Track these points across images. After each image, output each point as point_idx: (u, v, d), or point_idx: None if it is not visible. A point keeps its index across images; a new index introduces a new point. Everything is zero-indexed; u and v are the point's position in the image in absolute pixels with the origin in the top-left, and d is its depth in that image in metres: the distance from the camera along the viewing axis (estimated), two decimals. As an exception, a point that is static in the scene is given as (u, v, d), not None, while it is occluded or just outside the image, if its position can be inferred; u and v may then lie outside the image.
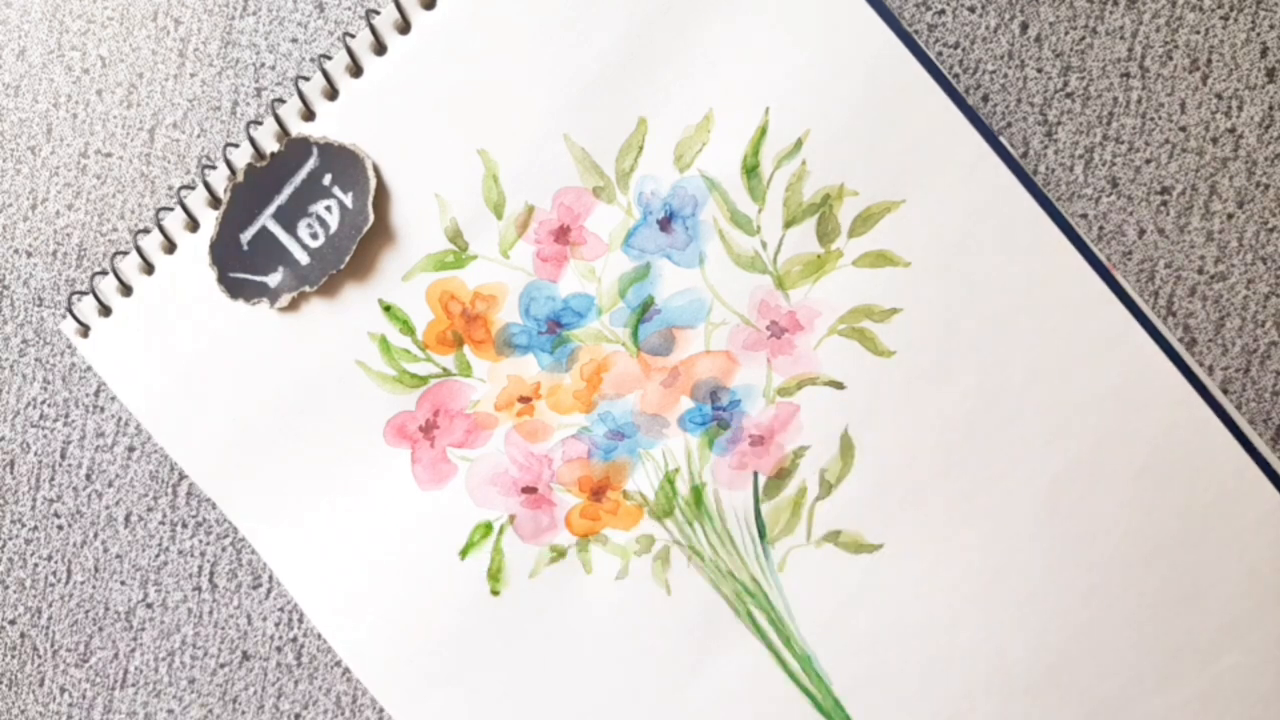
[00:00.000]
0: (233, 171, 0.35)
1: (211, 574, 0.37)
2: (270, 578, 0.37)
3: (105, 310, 0.36)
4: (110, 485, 0.37)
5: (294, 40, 0.36)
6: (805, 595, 0.35)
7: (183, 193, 0.36)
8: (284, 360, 0.36)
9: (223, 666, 0.37)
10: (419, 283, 0.35)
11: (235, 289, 0.35)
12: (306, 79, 0.35)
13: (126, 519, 0.37)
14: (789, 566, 0.35)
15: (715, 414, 0.35)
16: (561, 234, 0.35)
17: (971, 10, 0.35)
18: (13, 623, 0.38)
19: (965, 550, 0.35)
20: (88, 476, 0.37)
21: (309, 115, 0.35)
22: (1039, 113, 0.35)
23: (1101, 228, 0.35)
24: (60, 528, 0.38)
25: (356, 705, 0.37)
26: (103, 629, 0.38)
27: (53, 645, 0.38)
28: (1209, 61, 0.35)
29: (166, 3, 0.37)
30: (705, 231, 0.35)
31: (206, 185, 0.35)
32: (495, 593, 0.36)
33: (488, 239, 0.35)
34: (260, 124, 0.35)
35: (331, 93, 0.35)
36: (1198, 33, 0.35)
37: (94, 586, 0.38)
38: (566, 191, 0.35)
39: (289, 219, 0.35)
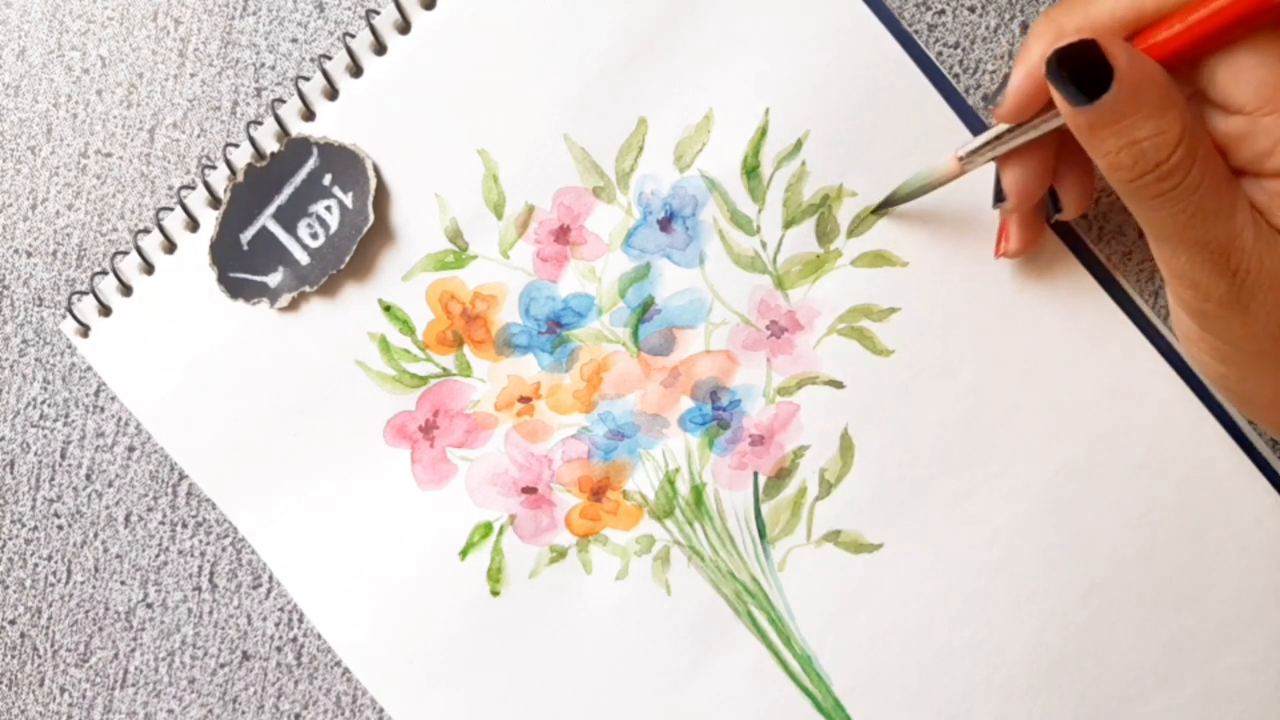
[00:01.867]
0: (233, 171, 0.35)
1: (211, 574, 0.37)
2: (270, 578, 0.37)
3: (105, 310, 0.36)
4: (110, 485, 0.37)
5: (294, 40, 0.36)
6: (805, 595, 0.35)
7: (183, 193, 0.36)
8: (284, 360, 0.36)
9: (223, 666, 0.37)
10: (419, 283, 0.35)
11: (235, 289, 0.35)
12: (306, 79, 0.35)
13: (126, 519, 0.37)
14: (789, 566, 0.35)
15: (715, 414, 0.35)
16: (561, 234, 0.35)
17: (971, 10, 0.35)
18: (13, 623, 0.38)
19: (965, 550, 0.35)
20: (88, 476, 0.37)
21: (309, 115, 0.35)
22: (1038, 113, 0.35)
23: (1101, 228, 0.35)
24: (60, 528, 0.38)
25: (356, 705, 0.37)
26: (103, 629, 0.38)
27: (53, 645, 0.38)
28: (1208, 61, 0.35)
29: (166, 3, 0.37)
30: (705, 231, 0.35)
31: (206, 185, 0.35)
32: (495, 593, 0.36)
33: (488, 239, 0.35)
34: (260, 124, 0.35)
35: (331, 93, 0.35)
36: (1197, 33, 0.35)
37: (94, 586, 0.38)
38: (566, 191, 0.35)
39: (289, 219, 0.35)
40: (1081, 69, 0.26)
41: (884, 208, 0.34)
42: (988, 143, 0.30)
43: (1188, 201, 0.26)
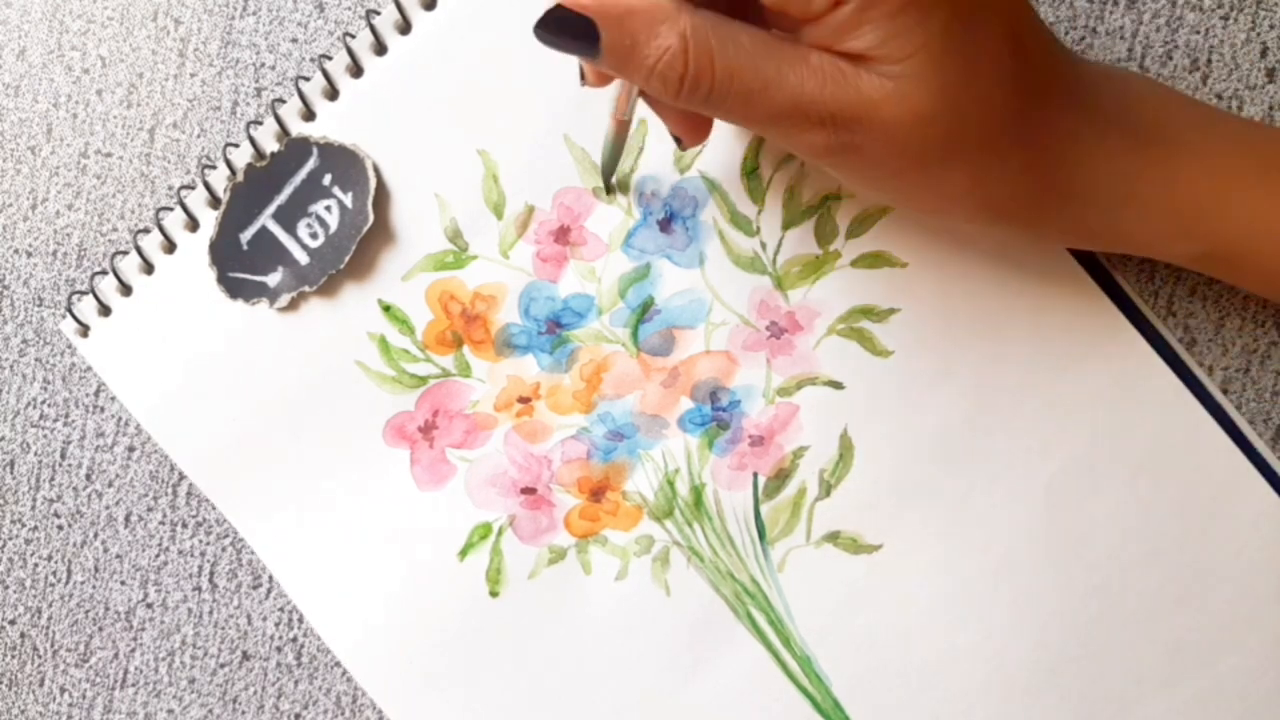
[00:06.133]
0: (233, 171, 0.35)
1: (211, 574, 0.37)
2: (270, 578, 0.37)
3: (105, 310, 0.36)
4: (110, 485, 0.37)
5: (294, 40, 0.36)
6: (805, 596, 0.35)
7: (183, 193, 0.36)
8: (284, 360, 0.36)
9: (223, 666, 0.37)
10: (419, 283, 0.35)
11: (235, 289, 0.35)
12: (306, 79, 0.35)
13: (126, 519, 0.37)
14: (789, 567, 0.35)
15: (715, 414, 0.35)
16: (561, 234, 0.35)
17: (971, 11, 0.35)
18: (13, 623, 0.38)
19: (965, 550, 0.35)
20: (88, 476, 0.37)
21: (309, 115, 0.35)
22: (1039, 113, 0.35)
23: (1101, 228, 0.35)
24: (60, 528, 0.38)
25: (356, 705, 0.37)
26: (103, 629, 0.38)
27: (53, 645, 0.38)
28: (1209, 61, 0.35)
29: (166, 3, 0.37)
30: (705, 232, 0.35)
31: (206, 185, 0.35)
32: (494, 594, 0.36)
33: (488, 239, 0.35)
34: (260, 124, 0.35)
35: (331, 93, 0.35)
36: (1198, 33, 0.35)
37: (94, 586, 0.38)
38: (566, 191, 0.35)
39: (289, 219, 0.35)
40: (575, 27, 0.26)
41: (607, 183, 0.35)
42: (617, 97, 0.31)
43: (730, 91, 0.26)
